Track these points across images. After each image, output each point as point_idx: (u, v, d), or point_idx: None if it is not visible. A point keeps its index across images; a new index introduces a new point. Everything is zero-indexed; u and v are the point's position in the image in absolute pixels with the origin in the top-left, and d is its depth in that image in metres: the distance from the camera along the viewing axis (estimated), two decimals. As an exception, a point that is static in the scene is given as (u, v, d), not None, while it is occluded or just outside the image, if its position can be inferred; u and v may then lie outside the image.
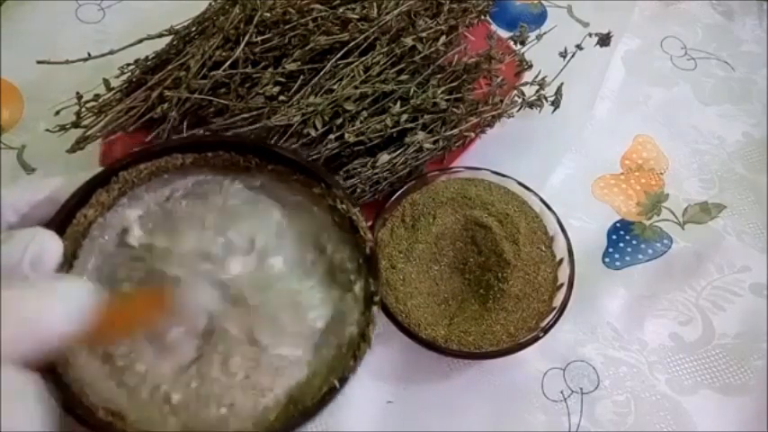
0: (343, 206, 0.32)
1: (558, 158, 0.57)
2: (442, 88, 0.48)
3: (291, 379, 0.30)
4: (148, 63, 0.47)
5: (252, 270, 0.31)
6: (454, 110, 0.48)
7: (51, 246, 0.27)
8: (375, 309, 0.30)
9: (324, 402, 0.28)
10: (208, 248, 0.31)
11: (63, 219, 0.29)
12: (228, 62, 0.44)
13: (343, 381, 0.28)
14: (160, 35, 0.48)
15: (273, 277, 0.31)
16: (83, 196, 0.30)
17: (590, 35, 0.52)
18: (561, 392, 0.46)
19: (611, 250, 0.52)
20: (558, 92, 0.53)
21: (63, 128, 0.45)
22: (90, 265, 0.31)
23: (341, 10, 0.47)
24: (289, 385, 0.30)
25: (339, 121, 0.45)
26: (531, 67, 0.55)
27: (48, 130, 0.46)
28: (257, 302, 0.30)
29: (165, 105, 0.44)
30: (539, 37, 0.53)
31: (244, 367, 0.29)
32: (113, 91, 0.47)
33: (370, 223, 0.45)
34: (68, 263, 0.30)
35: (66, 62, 0.46)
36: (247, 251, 0.32)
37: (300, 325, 0.31)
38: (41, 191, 0.29)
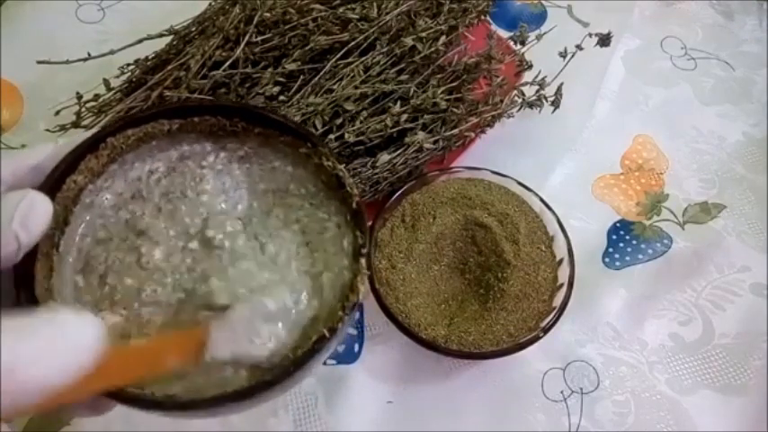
0: (329, 163, 0.32)
1: (557, 158, 0.57)
2: (442, 88, 0.48)
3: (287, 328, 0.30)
4: (148, 63, 0.47)
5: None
6: (454, 110, 0.48)
7: (41, 206, 0.26)
8: (363, 261, 0.30)
9: (314, 351, 0.28)
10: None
11: (52, 185, 0.29)
12: (228, 62, 0.44)
13: (333, 331, 0.28)
14: (160, 35, 0.48)
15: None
16: (71, 163, 0.30)
17: (590, 35, 0.52)
18: (561, 392, 0.46)
19: (611, 250, 0.52)
20: (558, 92, 0.53)
21: (63, 128, 0.45)
22: (80, 232, 0.31)
23: (341, 10, 0.47)
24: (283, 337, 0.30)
25: (339, 121, 0.45)
26: (531, 67, 0.55)
27: (48, 130, 0.46)
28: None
29: (165, 105, 0.44)
30: (539, 37, 0.53)
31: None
32: (113, 91, 0.47)
33: (370, 223, 0.46)
34: (60, 229, 0.30)
35: (67, 62, 0.46)
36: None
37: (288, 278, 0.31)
38: (27, 160, 0.29)
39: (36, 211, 0.26)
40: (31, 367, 0.19)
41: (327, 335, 0.28)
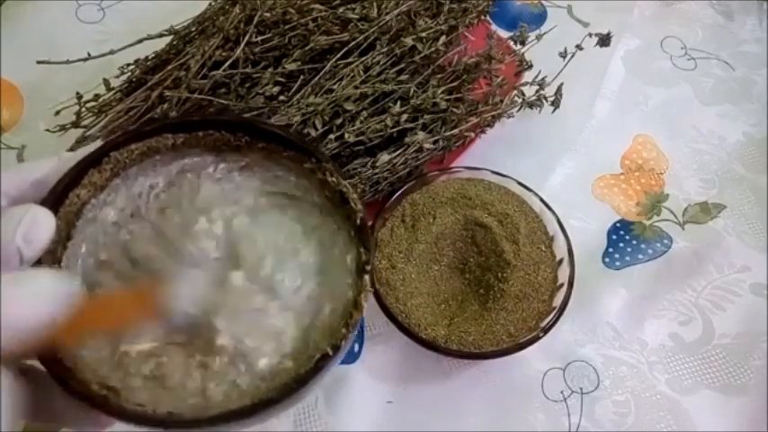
0: (333, 179, 0.32)
1: (557, 158, 0.57)
2: (442, 88, 0.48)
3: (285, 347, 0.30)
4: (148, 63, 0.47)
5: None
6: (454, 110, 0.48)
7: (44, 220, 0.27)
8: (366, 277, 0.30)
9: (317, 369, 0.28)
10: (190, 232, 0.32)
11: (55, 199, 0.29)
12: (228, 62, 0.44)
13: (336, 348, 0.28)
14: (160, 35, 0.48)
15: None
16: (75, 177, 0.30)
17: (590, 35, 0.52)
18: (561, 392, 0.46)
19: (611, 250, 0.52)
20: (558, 92, 0.53)
21: (63, 128, 0.45)
22: (84, 247, 0.31)
23: (341, 10, 0.47)
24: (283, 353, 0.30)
25: (339, 121, 0.45)
26: (531, 67, 0.55)
27: (48, 130, 0.46)
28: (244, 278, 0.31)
29: (165, 105, 0.44)
30: (539, 37, 0.53)
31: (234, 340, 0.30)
32: (113, 91, 0.47)
33: (370, 223, 0.46)
34: (62, 243, 0.30)
35: (67, 62, 0.46)
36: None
37: (288, 293, 0.31)
38: (31, 174, 0.29)
39: (39, 226, 0.26)
40: (12, 313, 0.23)
41: (330, 353, 0.28)
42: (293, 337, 0.30)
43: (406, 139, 0.47)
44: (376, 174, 0.46)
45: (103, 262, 0.31)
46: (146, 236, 0.32)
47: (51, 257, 0.29)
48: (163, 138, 0.33)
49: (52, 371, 0.26)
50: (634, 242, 0.53)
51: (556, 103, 0.53)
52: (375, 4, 0.47)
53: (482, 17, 0.54)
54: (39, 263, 0.27)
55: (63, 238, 0.30)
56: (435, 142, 0.48)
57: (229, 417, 0.27)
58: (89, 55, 0.47)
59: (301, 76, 0.46)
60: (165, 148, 0.33)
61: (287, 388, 0.28)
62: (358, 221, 0.31)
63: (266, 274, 0.31)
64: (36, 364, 0.27)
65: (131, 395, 0.28)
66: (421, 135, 0.47)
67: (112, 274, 0.31)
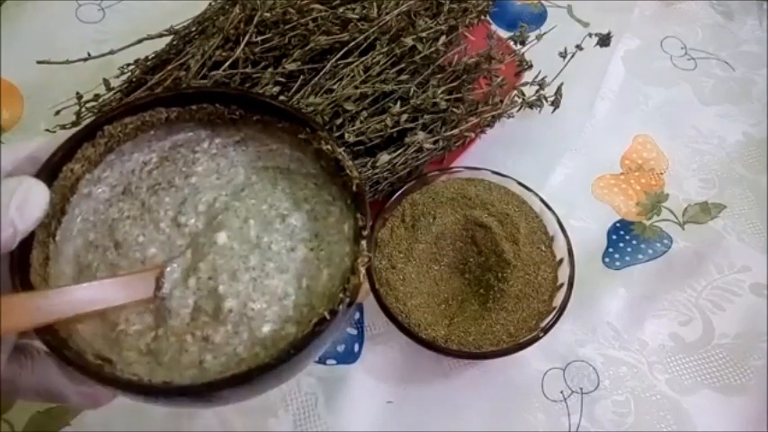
0: (328, 147, 0.32)
1: (557, 158, 0.57)
2: (442, 88, 0.48)
3: (283, 312, 0.30)
4: (148, 63, 0.47)
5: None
6: (454, 110, 0.48)
7: (37, 191, 0.27)
8: (363, 242, 0.30)
9: (314, 334, 0.27)
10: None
11: (50, 172, 0.29)
12: (228, 62, 0.44)
13: (333, 313, 0.28)
14: (160, 35, 0.48)
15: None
16: (68, 150, 0.30)
17: (590, 35, 0.52)
18: (561, 392, 0.46)
19: (611, 250, 0.52)
20: (558, 92, 0.53)
21: (63, 128, 0.45)
22: (78, 221, 0.31)
23: (341, 10, 0.47)
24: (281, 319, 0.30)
25: (339, 121, 0.45)
26: (531, 67, 0.55)
27: (48, 130, 0.46)
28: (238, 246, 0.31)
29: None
30: (539, 37, 0.53)
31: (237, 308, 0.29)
32: (113, 91, 0.47)
33: (370, 223, 0.45)
34: (57, 218, 0.30)
35: (67, 62, 0.46)
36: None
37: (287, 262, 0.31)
38: (26, 150, 0.29)
39: (33, 198, 0.26)
40: None
41: (328, 317, 0.27)
42: (296, 302, 0.30)
43: (406, 139, 0.47)
44: (376, 174, 0.46)
45: (91, 242, 0.31)
46: (133, 215, 0.32)
47: (45, 231, 0.29)
48: (156, 112, 0.32)
49: (46, 341, 0.26)
50: (634, 242, 0.53)
51: (556, 103, 0.53)
52: (375, 4, 0.47)
53: (482, 17, 0.54)
54: (32, 236, 0.27)
55: (57, 212, 0.30)
56: (435, 142, 0.48)
57: (225, 383, 0.26)
58: (89, 55, 0.47)
59: (301, 76, 0.45)
60: (159, 122, 0.33)
61: (283, 353, 0.27)
62: (354, 188, 0.31)
63: (252, 236, 0.31)
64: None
65: (127, 368, 0.28)
66: (421, 135, 0.47)
67: (99, 256, 0.31)
